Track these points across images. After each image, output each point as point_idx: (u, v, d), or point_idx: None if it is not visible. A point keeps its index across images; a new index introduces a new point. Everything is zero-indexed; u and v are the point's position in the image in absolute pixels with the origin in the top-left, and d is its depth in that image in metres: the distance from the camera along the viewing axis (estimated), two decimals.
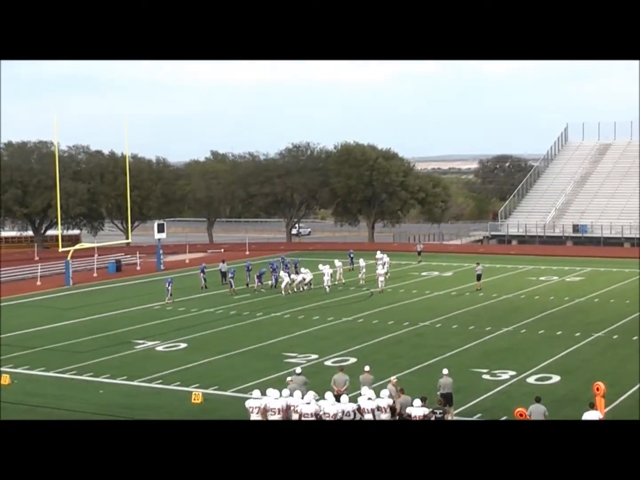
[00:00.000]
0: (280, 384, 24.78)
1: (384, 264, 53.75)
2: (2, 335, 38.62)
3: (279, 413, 22.28)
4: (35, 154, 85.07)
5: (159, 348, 35.98)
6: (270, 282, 51.97)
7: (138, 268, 64.37)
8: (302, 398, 22.62)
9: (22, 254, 75.49)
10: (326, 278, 50.60)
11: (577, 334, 36.82)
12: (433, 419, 22.14)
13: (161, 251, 64.35)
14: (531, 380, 29.35)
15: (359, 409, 22.27)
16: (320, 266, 51.65)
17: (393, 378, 25.04)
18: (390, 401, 22.85)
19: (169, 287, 47.76)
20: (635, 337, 35.96)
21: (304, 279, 51.00)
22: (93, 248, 65.44)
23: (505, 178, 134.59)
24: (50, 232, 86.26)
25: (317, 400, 22.58)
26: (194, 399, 27.33)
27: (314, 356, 33.52)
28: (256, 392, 23.53)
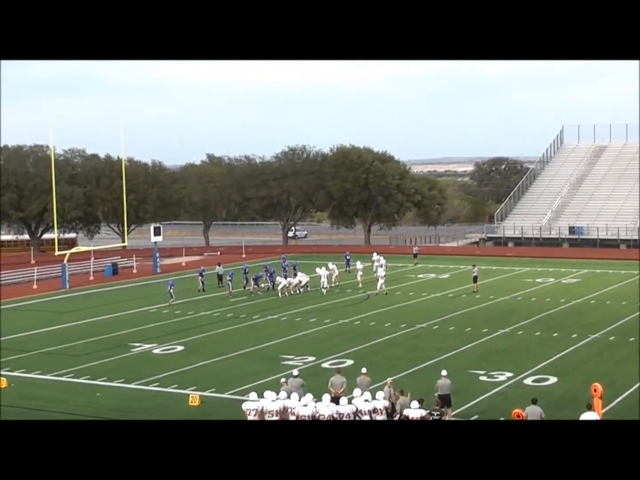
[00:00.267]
0: (277, 387, 24.79)
1: (382, 265, 53.80)
2: None
3: (276, 415, 22.30)
4: (31, 158, 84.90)
5: (156, 351, 35.97)
6: (266, 285, 52.00)
7: (134, 271, 64.35)
8: (300, 400, 22.65)
9: (19, 258, 75.41)
10: (322, 280, 50.71)
11: (574, 336, 36.86)
12: (430, 420, 22.17)
13: (157, 254, 64.35)
14: (528, 381, 29.38)
15: (356, 411, 22.29)
16: (318, 269, 51.72)
17: (389, 380, 25.05)
18: (387, 403, 22.88)
19: (171, 290, 47.81)
20: (632, 339, 36.01)
21: (300, 282, 51.03)
22: (89, 251, 65.42)
23: (501, 180, 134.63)
24: (46, 236, 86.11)
25: (315, 402, 22.61)
26: (191, 402, 27.33)
27: (311, 358, 33.52)
28: (253, 395, 23.53)
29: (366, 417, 22.23)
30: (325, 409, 22.08)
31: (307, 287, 51.25)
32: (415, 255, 65.55)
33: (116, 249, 75.35)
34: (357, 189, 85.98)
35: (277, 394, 23.20)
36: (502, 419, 24.46)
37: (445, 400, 24.37)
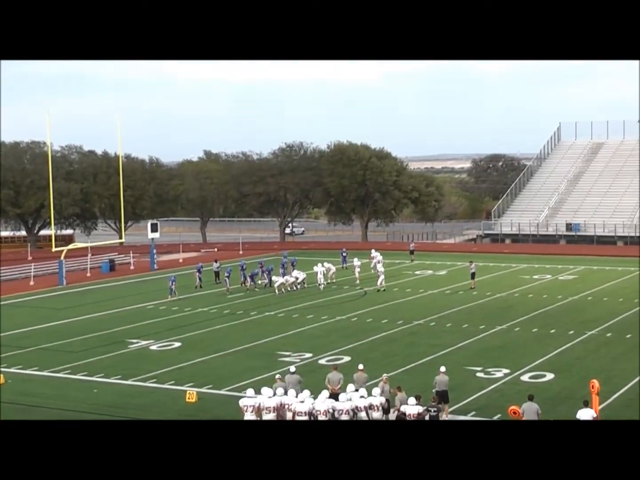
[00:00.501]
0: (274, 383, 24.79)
1: (379, 261, 53.86)
2: None
3: (273, 411, 22.32)
4: (28, 154, 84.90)
5: (153, 347, 35.97)
6: (263, 282, 52.01)
7: (131, 268, 64.31)
8: (297, 396, 22.68)
9: (16, 254, 75.34)
10: (319, 277, 50.79)
11: (571, 332, 36.90)
12: (427, 416, 22.21)
13: (154, 251, 64.30)
14: (525, 378, 29.41)
15: (353, 407, 22.30)
16: (315, 267, 51.81)
17: (384, 376, 25.02)
18: (383, 399, 22.89)
19: (173, 286, 47.87)
20: (628, 335, 36.05)
21: (297, 278, 51.05)
22: (86, 248, 65.35)
23: (498, 177, 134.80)
24: (43, 232, 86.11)
25: (313, 398, 22.64)
26: (188, 398, 27.34)
27: (308, 355, 33.54)
28: (250, 391, 23.53)
29: (362, 414, 22.25)
30: (322, 404, 22.11)
31: (304, 283, 51.27)
32: (411, 252, 65.56)
33: (113, 246, 75.34)
34: (354, 185, 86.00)
35: (276, 390, 23.24)
36: (498, 415, 24.53)
37: (442, 397, 24.40)
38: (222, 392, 28.50)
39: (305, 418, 21.80)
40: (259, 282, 52.18)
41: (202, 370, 31.61)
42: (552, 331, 37.32)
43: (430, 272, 58.93)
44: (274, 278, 50.50)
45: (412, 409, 22.04)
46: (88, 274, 60.81)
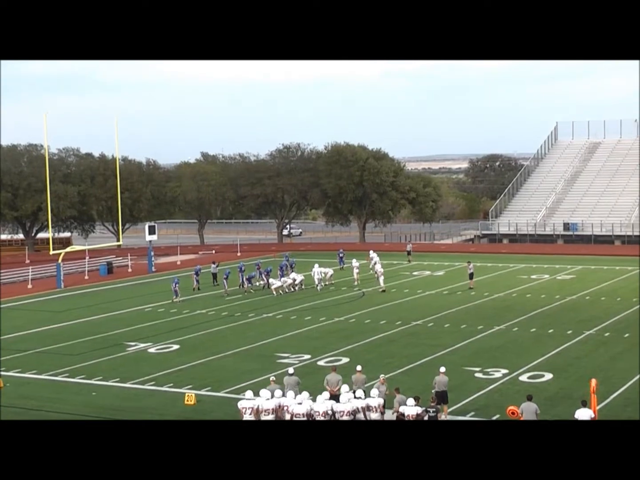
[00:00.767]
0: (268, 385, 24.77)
1: (376, 262, 53.88)
2: None
3: (271, 413, 22.31)
4: (25, 157, 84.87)
5: (151, 350, 35.94)
6: (261, 284, 52.01)
7: (129, 270, 64.28)
8: (295, 398, 22.67)
9: (13, 257, 75.32)
10: (317, 277, 50.81)
11: (569, 332, 36.91)
12: (426, 417, 22.20)
13: (152, 253, 64.27)
14: (523, 378, 29.40)
15: (353, 409, 22.28)
16: (313, 269, 51.86)
17: (382, 376, 24.95)
18: (381, 400, 22.87)
19: (176, 287, 47.85)
20: (627, 335, 36.06)
21: (295, 280, 51.05)
22: (84, 250, 65.31)
23: (495, 177, 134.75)
24: (41, 235, 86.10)
25: (312, 400, 22.62)
26: (187, 400, 27.32)
27: (307, 356, 33.52)
28: (249, 393, 23.51)
29: (360, 415, 22.24)
30: (320, 405, 22.10)
31: (301, 285, 51.26)
32: (408, 253, 65.55)
33: (111, 248, 75.29)
34: (351, 186, 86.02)
35: (274, 392, 23.22)
36: (497, 415, 24.53)
37: (441, 397, 24.39)
38: (220, 394, 28.47)
39: (303, 420, 21.78)
40: (257, 283, 52.18)
41: (200, 373, 31.58)
42: (551, 331, 37.33)
43: (428, 272, 58.94)
44: (271, 280, 50.48)
45: (410, 410, 22.04)
46: (86, 277, 60.77)
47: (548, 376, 29.52)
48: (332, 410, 22.09)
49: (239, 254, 72.83)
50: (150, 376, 31.07)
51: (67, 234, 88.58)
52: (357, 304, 46.22)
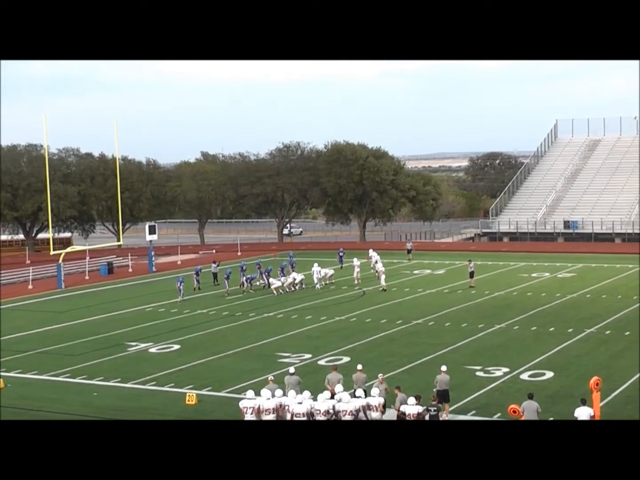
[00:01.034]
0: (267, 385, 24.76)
1: (377, 261, 53.91)
2: None
3: (272, 413, 22.31)
4: (25, 157, 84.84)
5: (152, 350, 35.94)
6: (261, 283, 51.99)
7: (130, 270, 64.28)
8: (296, 397, 22.67)
9: (14, 258, 75.30)
10: (316, 276, 50.86)
11: (570, 330, 36.90)
12: (427, 416, 22.20)
13: (153, 253, 64.27)
14: (524, 376, 29.40)
15: (357, 408, 22.27)
16: (312, 268, 51.89)
17: (380, 376, 24.89)
18: (382, 400, 22.85)
19: (181, 286, 47.83)
20: (627, 332, 36.06)
21: (295, 279, 51.04)
22: (84, 251, 65.31)
23: (495, 175, 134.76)
24: (41, 235, 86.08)
25: (313, 399, 22.61)
26: (188, 400, 27.32)
27: (307, 356, 33.52)
28: (250, 393, 23.50)
29: (360, 414, 22.23)
30: (322, 404, 22.10)
31: (302, 284, 51.26)
32: (408, 251, 65.54)
33: (111, 248, 75.28)
34: (351, 185, 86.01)
35: (275, 391, 23.21)
36: (498, 414, 24.53)
37: (443, 396, 24.39)
38: (221, 394, 28.48)
39: (304, 419, 21.78)
40: (257, 283, 52.17)
41: (201, 373, 31.58)
42: (551, 329, 37.32)
43: (428, 271, 58.94)
44: (271, 280, 50.47)
45: (411, 408, 22.03)
46: (86, 277, 60.77)
47: (549, 374, 29.52)
48: (333, 409, 22.09)
49: (239, 253, 72.83)
50: (151, 376, 31.07)
51: (67, 234, 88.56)
52: (358, 303, 46.22)
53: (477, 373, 30.01)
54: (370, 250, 57.83)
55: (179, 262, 68.35)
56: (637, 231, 77.68)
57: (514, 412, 22.19)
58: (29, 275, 59.08)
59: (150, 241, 63.99)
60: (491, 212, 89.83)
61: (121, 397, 28.65)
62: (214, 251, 75.97)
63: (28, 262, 69.49)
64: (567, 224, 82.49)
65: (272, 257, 69.00)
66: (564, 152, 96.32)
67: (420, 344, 35.31)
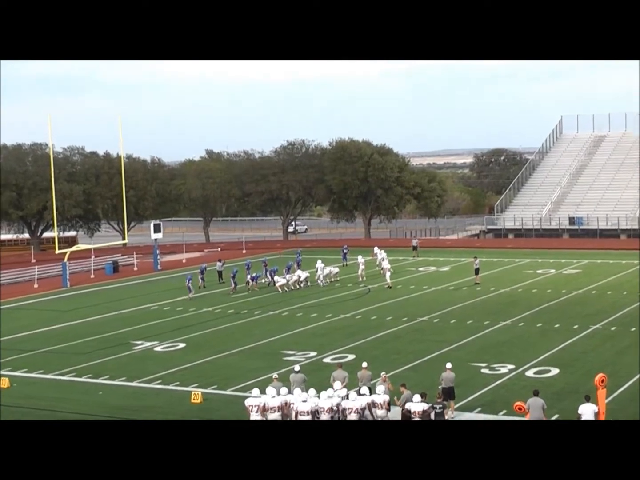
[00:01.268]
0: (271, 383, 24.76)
1: (384, 258, 53.89)
2: (0, 339, 38.60)
3: (277, 411, 22.31)
4: (30, 156, 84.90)
5: (158, 348, 35.96)
6: (266, 281, 52.00)
7: (135, 269, 64.34)
8: (301, 395, 22.68)
9: (19, 257, 75.43)
10: (319, 273, 50.90)
11: (575, 327, 36.85)
12: (432, 414, 22.18)
13: (158, 251, 64.34)
14: (530, 373, 29.37)
15: (364, 405, 22.26)
16: (316, 265, 51.90)
17: (383, 374, 24.86)
18: (387, 397, 22.84)
19: (190, 284, 47.90)
20: (633, 329, 35.99)
21: (300, 277, 51.05)
22: (90, 249, 65.42)
23: (500, 172, 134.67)
24: (46, 234, 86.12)
25: (318, 397, 22.61)
26: (194, 399, 27.33)
27: (313, 353, 33.52)
28: (255, 391, 23.52)
29: (366, 412, 22.22)
30: (325, 402, 22.10)
31: (307, 282, 51.26)
32: (414, 248, 65.52)
33: (116, 247, 75.32)
34: (356, 182, 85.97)
35: (280, 389, 23.21)
36: (504, 411, 24.50)
37: (448, 393, 24.37)
38: (227, 392, 28.48)
39: (308, 417, 21.78)
40: (262, 281, 52.16)
41: (206, 371, 31.60)
42: (557, 326, 37.28)
43: (433, 268, 58.91)
44: (276, 278, 50.47)
45: (417, 406, 22.02)
46: (92, 276, 60.85)
47: (554, 371, 29.49)
48: (337, 407, 22.08)
49: (244, 251, 72.86)
50: (156, 375, 31.09)
51: (72, 233, 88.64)
52: (363, 300, 46.21)
53: (483, 370, 29.98)
54: (376, 248, 57.82)
55: (184, 261, 68.39)
56: None
57: (520, 409, 22.16)
58: (34, 274, 59.18)
59: (156, 239, 64.04)
60: (496, 208, 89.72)
61: (127, 395, 28.68)
62: (219, 249, 76.00)
63: (33, 261, 69.63)
64: (572, 220, 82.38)
65: (278, 254, 69.02)
66: (569, 148, 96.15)
67: (425, 341, 35.29)
